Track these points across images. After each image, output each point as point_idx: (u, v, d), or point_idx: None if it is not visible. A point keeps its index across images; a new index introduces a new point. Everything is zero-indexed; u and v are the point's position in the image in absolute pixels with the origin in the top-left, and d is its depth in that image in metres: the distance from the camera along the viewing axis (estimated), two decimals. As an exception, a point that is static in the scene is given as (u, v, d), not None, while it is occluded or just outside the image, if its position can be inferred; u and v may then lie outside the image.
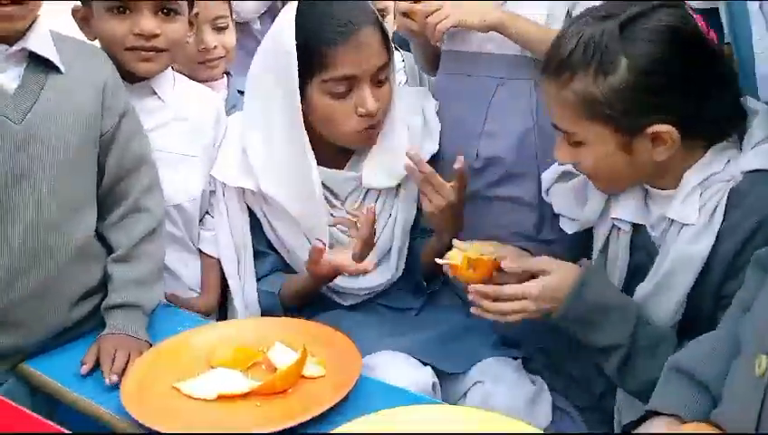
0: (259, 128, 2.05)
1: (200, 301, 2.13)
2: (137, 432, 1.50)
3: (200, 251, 2.16)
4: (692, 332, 1.57)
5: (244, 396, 1.56)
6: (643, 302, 1.68)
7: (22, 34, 1.69)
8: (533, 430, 1.42)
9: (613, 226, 1.79)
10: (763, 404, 1.19)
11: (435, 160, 2.14)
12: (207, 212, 2.16)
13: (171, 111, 2.07)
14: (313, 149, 2.00)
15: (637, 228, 1.76)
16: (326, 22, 1.94)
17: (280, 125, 2.01)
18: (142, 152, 1.89)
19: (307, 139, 1.99)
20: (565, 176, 1.92)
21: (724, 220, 1.58)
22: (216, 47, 2.41)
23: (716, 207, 1.59)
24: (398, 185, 2.12)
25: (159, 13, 1.97)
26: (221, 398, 1.56)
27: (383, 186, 2.10)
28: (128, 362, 1.66)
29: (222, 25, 2.44)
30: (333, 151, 2.09)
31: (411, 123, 2.13)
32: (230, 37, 2.47)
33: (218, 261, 2.14)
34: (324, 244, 2.00)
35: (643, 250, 1.75)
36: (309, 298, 2.10)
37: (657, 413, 1.38)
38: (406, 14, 2.09)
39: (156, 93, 2.04)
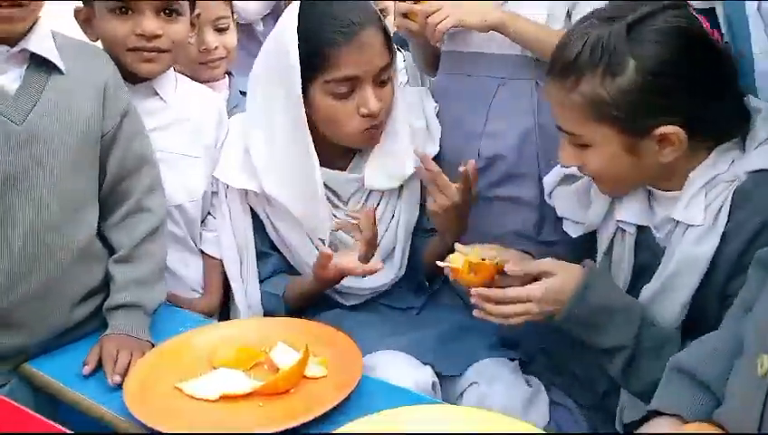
0: (262, 128, 2.05)
1: (202, 302, 2.13)
2: (139, 432, 1.50)
3: (202, 252, 2.16)
4: (696, 331, 1.57)
5: (247, 396, 1.56)
6: (648, 303, 1.68)
7: (23, 36, 1.69)
8: (534, 430, 1.42)
9: (618, 228, 1.79)
10: (766, 404, 1.19)
11: (436, 161, 2.13)
12: (209, 213, 2.16)
13: (173, 112, 2.07)
14: (316, 150, 2.00)
15: (641, 230, 1.76)
16: (328, 22, 1.94)
17: (282, 126, 2.01)
18: (144, 152, 1.89)
19: (310, 139, 1.99)
20: (567, 179, 1.92)
21: (728, 220, 1.58)
22: (217, 48, 2.41)
23: (721, 207, 1.59)
24: (401, 186, 2.13)
25: (161, 13, 1.97)
26: (223, 398, 1.56)
27: (385, 187, 2.11)
28: (130, 362, 1.66)
29: (223, 26, 2.44)
30: (336, 152, 2.09)
31: (414, 125, 2.14)
32: (231, 38, 2.47)
33: (220, 262, 2.14)
34: (331, 248, 2.00)
35: (648, 251, 1.75)
36: (313, 300, 2.10)
37: (659, 413, 1.38)
38: (405, 15, 2.09)
39: (158, 94, 2.05)
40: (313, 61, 1.94)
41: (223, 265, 2.14)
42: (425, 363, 1.88)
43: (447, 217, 1.98)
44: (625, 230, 1.78)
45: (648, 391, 1.56)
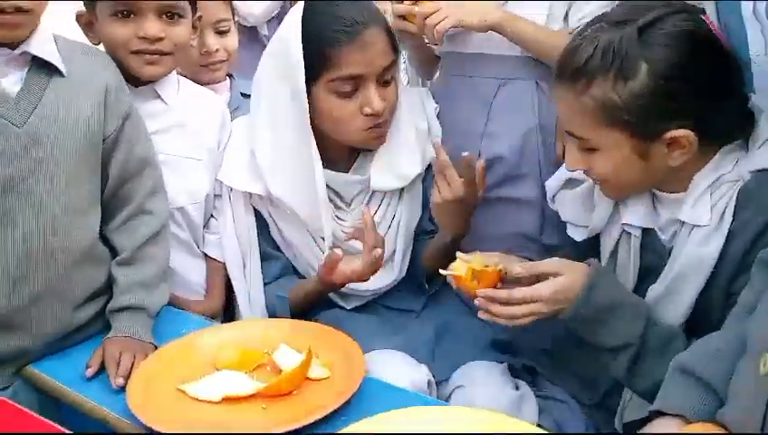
0: (267, 129, 2.05)
1: (204, 304, 2.13)
2: (142, 433, 1.50)
3: (205, 254, 2.17)
4: (700, 330, 1.57)
5: (250, 398, 1.56)
6: (654, 304, 1.68)
7: (24, 38, 1.69)
8: (534, 430, 1.43)
9: (623, 231, 1.79)
10: (769, 404, 1.20)
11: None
12: (212, 216, 2.16)
13: (175, 115, 2.07)
14: (320, 151, 2.00)
15: (646, 232, 1.76)
16: (332, 22, 1.94)
17: (287, 125, 2.02)
18: (146, 155, 1.90)
19: (313, 140, 2.00)
20: (570, 183, 1.91)
21: (733, 220, 1.58)
22: (218, 50, 2.40)
23: (726, 207, 1.59)
24: (402, 188, 2.12)
25: (163, 16, 1.98)
26: (226, 400, 1.56)
27: (391, 187, 2.10)
28: (133, 364, 1.67)
29: (224, 29, 2.43)
30: (340, 153, 2.10)
31: (418, 126, 2.14)
32: (232, 40, 2.46)
33: (223, 264, 2.15)
34: (337, 250, 2.00)
35: (653, 253, 1.75)
36: (316, 303, 2.09)
37: (661, 413, 1.38)
38: (403, 17, 2.09)
39: (160, 97, 2.05)
40: (317, 60, 1.94)
41: (226, 268, 2.14)
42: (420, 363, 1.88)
43: (450, 210, 1.98)
44: (630, 233, 1.78)
45: (653, 391, 1.56)
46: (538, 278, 1.70)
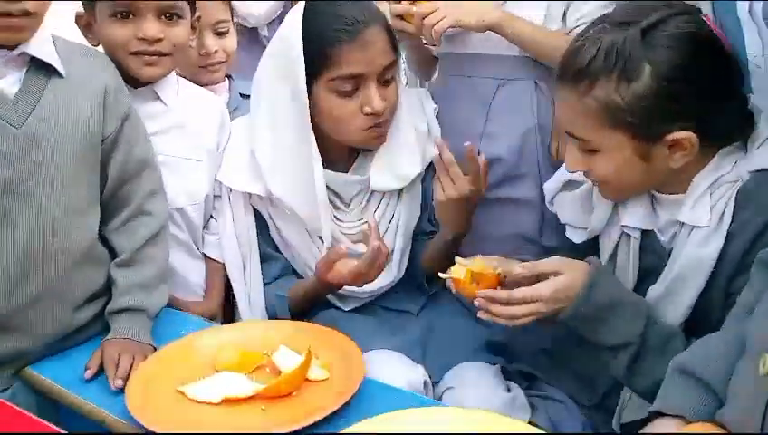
0: (267, 129, 2.05)
1: (203, 305, 2.13)
2: (141, 435, 1.50)
3: (205, 255, 2.17)
4: (699, 330, 1.58)
5: (249, 399, 1.56)
6: (654, 304, 1.68)
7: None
8: (534, 430, 1.43)
9: (622, 233, 1.79)
10: (768, 404, 1.20)
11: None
12: (212, 216, 2.16)
13: (175, 116, 2.07)
14: (320, 151, 2.00)
15: (645, 233, 1.76)
16: (333, 21, 1.94)
17: (287, 125, 2.02)
18: (145, 156, 1.90)
19: (314, 139, 1.99)
20: (569, 185, 1.91)
21: (732, 221, 1.59)
22: (216, 51, 2.40)
23: (725, 208, 1.59)
24: (401, 188, 2.12)
25: (162, 17, 1.97)
26: (226, 401, 1.56)
27: (391, 187, 2.10)
28: (132, 366, 1.67)
29: (223, 30, 2.43)
30: (340, 153, 2.10)
31: (418, 126, 2.13)
32: (231, 42, 2.47)
33: (223, 265, 2.15)
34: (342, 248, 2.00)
35: (653, 254, 1.75)
36: (315, 303, 2.09)
37: (661, 414, 1.38)
38: (401, 17, 2.09)
39: (159, 98, 2.05)
40: (318, 59, 1.94)
41: (225, 269, 2.14)
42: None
43: (454, 208, 1.99)
44: (629, 235, 1.77)
45: (653, 390, 1.56)
46: (538, 278, 1.70)
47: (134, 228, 1.86)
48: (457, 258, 1.79)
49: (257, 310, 2.09)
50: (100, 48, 1.99)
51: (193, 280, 2.15)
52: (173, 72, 2.10)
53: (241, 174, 2.09)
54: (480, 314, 1.73)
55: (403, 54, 2.69)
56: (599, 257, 1.85)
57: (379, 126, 2.02)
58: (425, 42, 2.24)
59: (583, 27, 1.96)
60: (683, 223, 1.65)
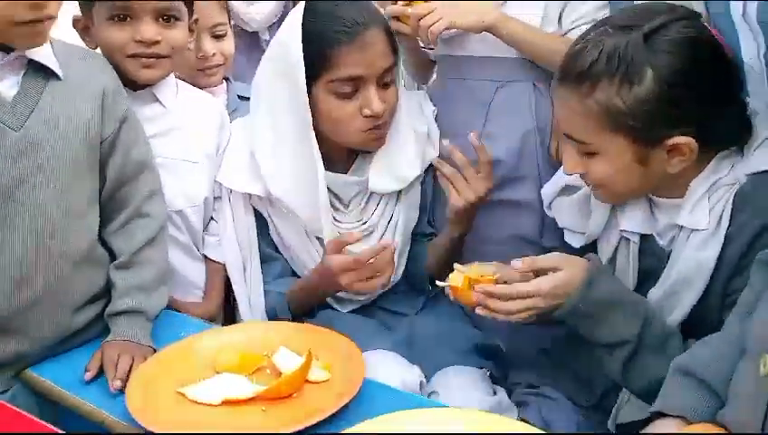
0: (267, 130, 2.05)
1: (202, 307, 2.13)
2: (141, 437, 1.50)
3: (205, 257, 2.17)
4: (696, 331, 1.58)
5: (249, 401, 1.56)
6: (654, 306, 1.68)
7: None
8: (535, 431, 1.43)
9: (621, 237, 1.79)
10: (769, 404, 1.20)
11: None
12: (212, 218, 2.16)
13: (174, 118, 2.07)
14: (320, 152, 2.00)
15: (644, 236, 1.76)
16: (333, 22, 1.94)
17: (287, 126, 2.02)
18: (143, 158, 1.90)
19: (315, 140, 2.00)
20: (567, 189, 1.92)
21: (730, 223, 1.59)
22: (214, 54, 2.41)
23: (723, 210, 1.60)
24: (400, 190, 2.13)
25: (160, 19, 1.97)
26: (226, 403, 1.56)
27: (389, 189, 2.11)
28: (131, 367, 1.66)
29: (221, 33, 2.44)
30: (339, 154, 2.10)
31: (417, 128, 2.14)
32: (229, 45, 2.47)
33: (223, 266, 2.15)
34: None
35: (653, 257, 1.75)
36: (314, 303, 2.09)
37: (662, 414, 1.38)
38: (397, 18, 2.09)
39: (158, 100, 2.05)
40: (317, 60, 1.94)
41: (225, 270, 2.14)
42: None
43: (469, 211, 2.01)
44: (628, 239, 1.78)
45: (650, 389, 1.57)
46: (537, 275, 1.71)
47: (132, 230, 1.86)
48: (456, 265, 1.79)
49: (257, 311, 2.09)
50: (98, 51, 1.99)
51: (193, 282, 2.15)
52: (172, 75, 2.10)
53: (241, 175, 2.08)
54: (478, 311, 1.73)
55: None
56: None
57: (379, 128, 2.02)
58: (422, 44, 2.25)
59: (579, 29, 2.00)
60: (681, 226, 1.66)
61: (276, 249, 2.14)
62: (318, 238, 2.09)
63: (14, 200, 1.65)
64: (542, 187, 2.03)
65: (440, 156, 2.14)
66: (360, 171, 2.12)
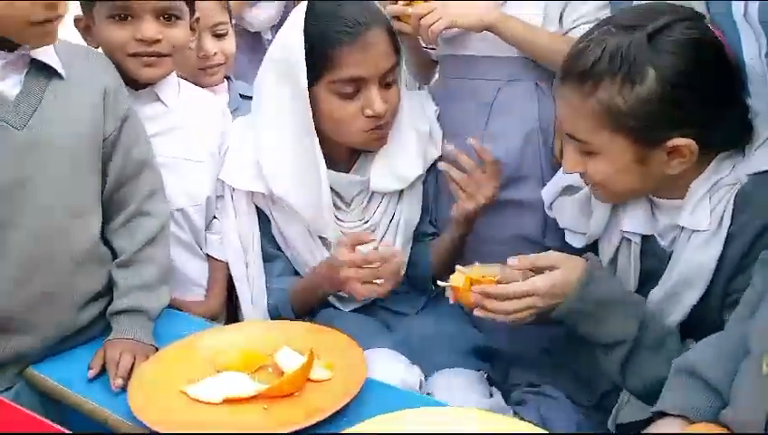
0: (269, 129, 2.05)
1: (204, 306, 2.13)
2: (143, 435, 1.50)
3: (208, 256, 2.17)
4: (697, 330, 1.58)
5: (251, 399, 1.56)
6: (655, 307, 1.68)
7: None
8: (536, 430, 1.43)
9: (623, 237, 1.79)
10: (772, 404, 1.20)
11: (437, 165, 2.16)
12: (215, 216, 2.16)
13: (176, 117, 2.07)
14: (322, 151, 2.01)
15: (646, 237, 1.76)
16: (334, 22, 1.94)
17: (289, 126, 2.02)
18: (144, 157, 1.90)
19: (316, 139, 2.00)
20: (568, 190, 1.91)
21: (731, 223, 1.59)
22: (216, 54, 2.41)
23: (724, 211, 1.60)
24: (401, 189, 2.13)
25: (160, 18, 1.98)
26: (228, 401, 1.56)
27: (391, 189, 2.11)
28: (133, 365, 1.67)
29: (221, 32, 2.44)
30: (341, 153, 2.10)
31: (419, 128, 2.14)
32: (230, 44, 2.47)
33: (225, 265, 2.15)
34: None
35: (654, 258, 1.75)
36: (316, 301, 2.09)
37: (664, 414, 1.38)
38: (398, 18, 2.09)
39: (160, 99, 2.05)
40: (319, 60, 1.94)
41: (228, 269, 2.14)
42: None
43: (477, 214, 2.02)
44: (630, 240, 1.78)
45: (647, 388, 1.59)
46: (536, 274, 1.71)
47: (134, 229, 1.87)
48: (458, 266, 1.79)
49: (260, 310, 2.09)
50: (100, 50, 1.99)
51: (195, 280, 2.15)
52: (173, 74, 2.10)
53: (243, 173, 2.08)
54: (476, 312, 1.73)
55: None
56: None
57: (380, 128, 2.02)
58: (423, 44, 2.25)
59: (579, 29, 2.00)
60: (683, 227, 1.66)
61: (278, 247, 2.14)
62: (320, 237, 2.09)
63: (17, 199, 1.65)
64: (544, 186, 2.03)
65: (442, 157, 2.14)
66: (362, 170, 2.12)
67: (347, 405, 1.52)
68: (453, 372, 1.92)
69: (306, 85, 1.96)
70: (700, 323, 1.63)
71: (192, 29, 2.09)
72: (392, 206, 2.13)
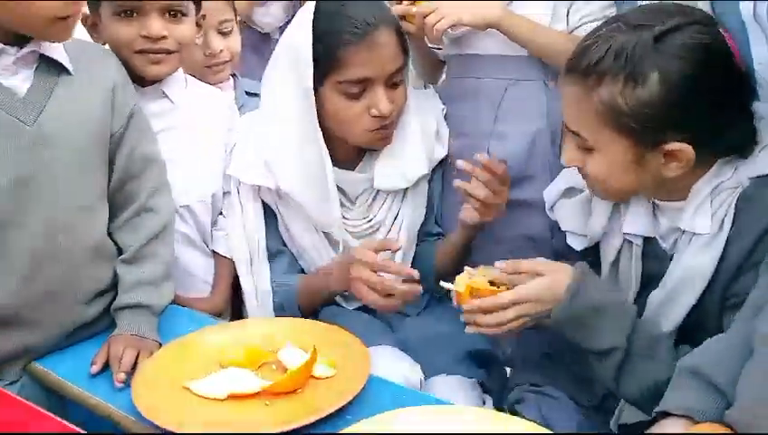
0: (275, 125, 2.05)
1: (208, 303, 2.14)
2: (147, 431, 1.50)
3: (214, 252, 2.17)
4: (696, 333, 1.58)
5: (255, 396, 1.56)
6: (656, 308, 1.68)
7: (31, 37, 1.69)
8: (541, 430, 1.43)
9: (624, 239, 1.78)
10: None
11: (443, 164, 2.17)
12: (221, 213, 2.17)
13: (182, 113, 2.08)
14: (328, 148, 2.01)
15: (647, 239, 1.75)
16: (343, 22, 1.93)
17: (295, 123, 2.02)
18: (150, 153, 1.91)
19: (321, 137, 2.00)
20: (569, 192, 1.91)
21: (732, 227, 1.58)
22: (221, 51, 2.42)
23: (725, 215, 1.59)
24: (406, 188, 2.13)
25: (166, 15, 1.99)
26: (231, 397, 1.56)
27: (394, 187, 2.11)
28: (136, 360, 1.67)
29: (227, 30, 2.45)
30: (347, 151, 2.10)
31: (425, 127, 2.14)
32: (235, 41, 2.48)
33: (231, 261, 2.15)
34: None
35: (655, 260, 1.74)
36: (322, 300, 2.10)
37: (667, 415, 1.37)
38: (403, 18, 2.09)
39: (167, 96, 2.06)
40: (326, 60, 1.94)
41: (233, 265, 2.14)
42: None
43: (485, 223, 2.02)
44: (632, 242, 1.77)
45: (641, 396, 1.58)
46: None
47: (138, 225, 1.87)
48: (466, 268, 1.79)
49: (265, 306, 2.09)
50: (107, 47, 1.99)
51: (200, 277, 2.16)
52: (180, 71, 2.11)
53: (251, 168, 2.08)
54: (468, 329, 1.75)
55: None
56: (599, 263, 1.86)
57: (385, 127, 2.02)
58: (430, 44, 2.25)
59: (585, 27, 2.00)
60: (684, 230, 1.65)
61: (284, 244, 2.14)
62: (325, 234, 2.10)
63: (26, 195, 1.65)
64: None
65: (448, 155, 2.16)
66: (367, 168, 2.12)
67: (349, 402, 1.52)
68: (445, 380, 1.93)
69: (312, 84, 1.95)
70: (698, 327, 1.62)
71: (198, 25, 2.10)
72: (397, 204, 2.13)
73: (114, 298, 1.82)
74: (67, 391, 1.66)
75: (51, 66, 1.72)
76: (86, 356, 1.71)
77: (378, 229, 2.11)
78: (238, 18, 2.56)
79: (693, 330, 1.63)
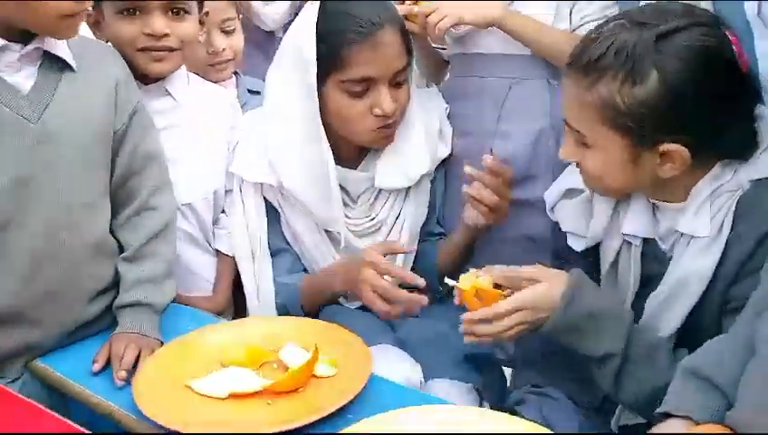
0: (278, 123, 2.05)
1: (210, 301, 2.14)
2: (148, 430, 1.50)
3: (217, 251, 2.17)
4: (695, 338, 1.57)
5: (256, 395, 1.56)
6: (654, 311, 1.68)
7: (35, 34, 1.69)
8: (542, 430, 1.43)
9: (624, 240, 1.78)
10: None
11: (446, 163, 2.17)
12: (223, 211, 2.17)
13: (185, 111, 2.08)
14: (331, 147, 2.00)
15: (647, 240, 1.75)
16: (347, 21, 1.93)
17: (298, 121, 2.02)
18: (152, 151, 1.90)
19: (324, 135, 2.00)
20: (569, 193, 1.90)
21: (732, 230, 1.57)
22: (224, 49, 2.42)
23: (725, 217, 1.58)
24: (408, 187, 2.13)
25: (169, 12, 1.99)
26: (232, 396, 1.56)
27: (396, 186, 2.10)
28: (137, 359, 1.67)
29: (230, 28, 2.45)
30: (349, 150, 2.10)
31: (428, 126, 2.14)
32: (238, 39, 2.48)
33: (233, 260, 2.15)
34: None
35: (654, 261, 1.74)
36: (321, 303, 2.09)
37: (668, 415, 1.37)
38: (406, 17, 2.08)
39: (169, 94, 2.06)
40: (329, 59, 1.94)
41: (235, 264, 2.14)
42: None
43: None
44: (631, 243, 1.77)
45: (640, 402, 1.59)
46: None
47: (140, 223, 1.87)
48: (471, 269, 1.79)
49: (267, 305, 2.09)
50: (110, 45, 1.99)
51: (202, 275, 2.16)
52: (183, 68, 2.11)
53: (254, 165, 2.08)
54: (466, 340, 1.75)
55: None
56: (599, 264, 1.86)
57: (388, 127, 2.02)
58: (433, 44, 2.25)
59: (586, 26, 2.00)
60: (682, 232, 1.64)
61: (287, 242, 2.14)
62: (327, 232, 2.10)
63: (30, 192, 1.65)
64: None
65: (451, 154, 2.16)
66: (369, 167, 2.12)
67: (351, 402, 1.52)
68: (441, 383, 1.92)
69: (315, 83, 1.95)
70: (697, 330, 1.62)
71: (201, 23, 2.10)
72: (399, 203, 2.13)
73: (116, 296, 1.82)
74: (68, 389, 1.66)
75: (54, 63, 1.72)
76: (88, 354, 1.71)
77: (379, 228, 2.11)
78: (240, 16, 2.57)
79: (692, 333, 1.63)
